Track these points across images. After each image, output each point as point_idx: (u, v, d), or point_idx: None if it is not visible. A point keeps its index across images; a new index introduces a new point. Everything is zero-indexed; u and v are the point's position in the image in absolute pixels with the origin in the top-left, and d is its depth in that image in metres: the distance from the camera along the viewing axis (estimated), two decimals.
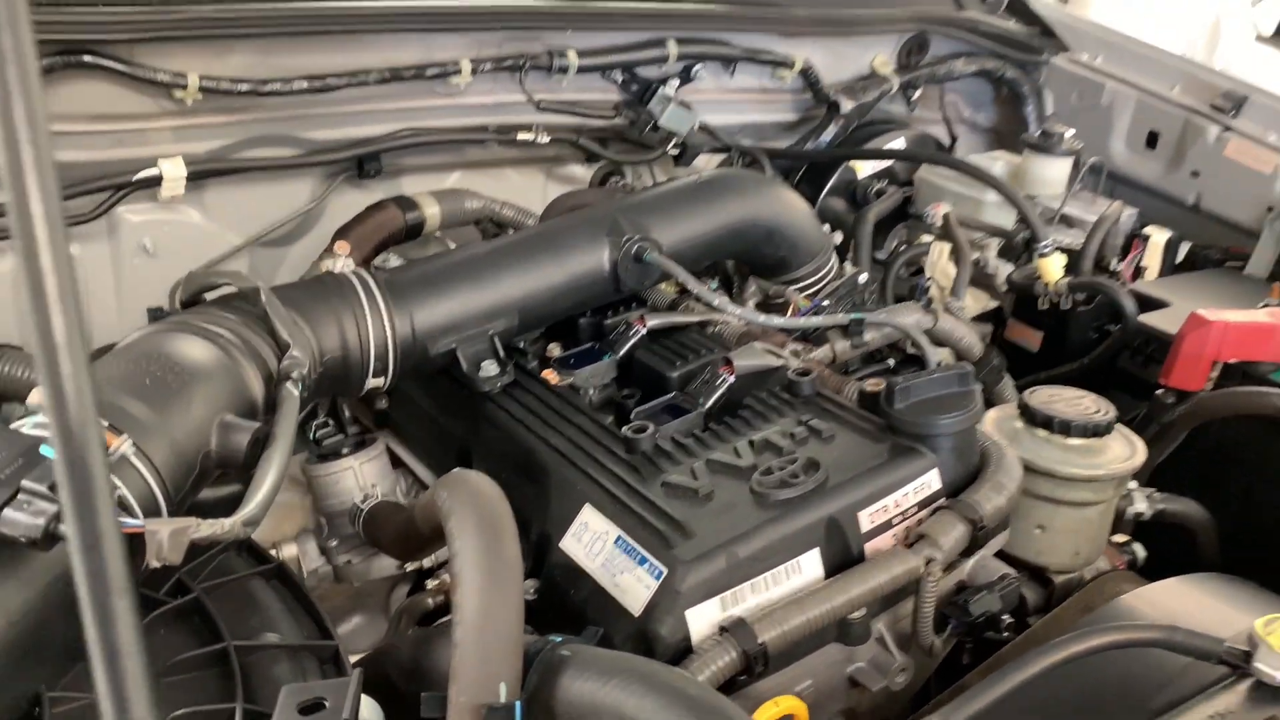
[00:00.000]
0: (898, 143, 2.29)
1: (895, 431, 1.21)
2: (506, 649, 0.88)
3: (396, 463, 1.54)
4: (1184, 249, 2.26)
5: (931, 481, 1.19)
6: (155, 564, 0.83)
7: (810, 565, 1.11)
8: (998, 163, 2.17)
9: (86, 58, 1.50)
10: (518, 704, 0.86)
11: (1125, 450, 1.35)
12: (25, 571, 0.81)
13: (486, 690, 0.86)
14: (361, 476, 1.43)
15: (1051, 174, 2.10)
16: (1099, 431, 1.32)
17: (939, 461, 1.19)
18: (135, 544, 0.88)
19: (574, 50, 1.87)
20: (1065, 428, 1.32)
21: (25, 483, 0.78)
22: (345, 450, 1.45)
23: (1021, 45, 2.43)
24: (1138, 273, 2.16)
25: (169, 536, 0.83)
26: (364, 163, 1.83)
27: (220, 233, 1.78)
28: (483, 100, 1.89)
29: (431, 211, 1.77)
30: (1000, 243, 2.13)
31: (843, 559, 1.13)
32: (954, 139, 2.45)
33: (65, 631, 0.85)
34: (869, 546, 1.15)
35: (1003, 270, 2.09)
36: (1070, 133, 2.12)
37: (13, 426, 0.88)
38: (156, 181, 1.63)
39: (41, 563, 0.81)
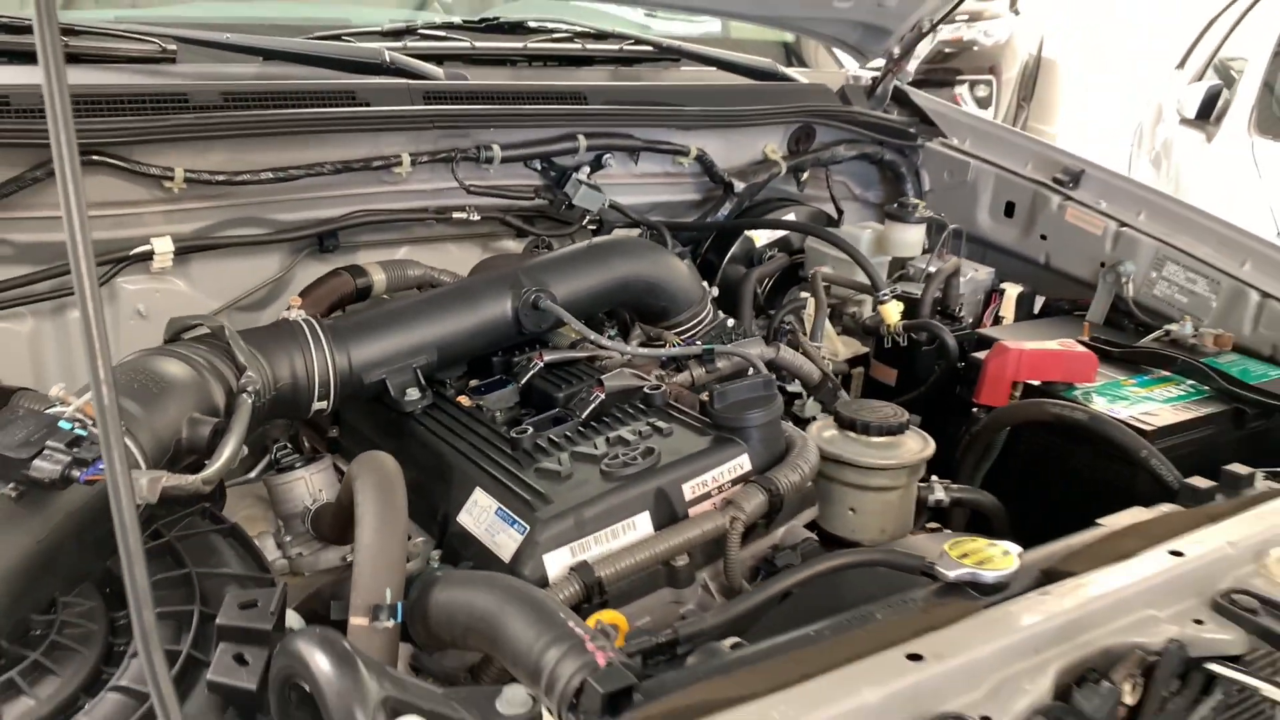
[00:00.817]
0: (789, 217, 2.67)
1: (717, 427, 1.56)
2: (393, 567, 1.22)
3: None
4: (1039, 302, 2.63)
5: (743, 463, 1.53)
6: (140, 500, 1.17)
7: (643, 524, 1.45)
8: (866, 231, 2.54)
9: (95, 156, 1.87)
10: (399, 604, 1.20)
11: (918, 445, 1.69)
12: (46, 509, 1.14)
13: (377, 595, 1.20)
14: (311, 485, 1.76)
15: (909, 238, 2.48)
16: (893, 430, 1.67)
17: (749, 449, 1.53)
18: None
19: (498, 144, 2.25)
20: (866, 428, 1.67)
21: (49, 443, 1.13)
22: (298, 464, 1.79)
23: (896, 132, 2.83)
24: (996, 320, 2.53)
25: (148, 482, 1.17)
26: (324, 239, 2.19)
27: (203, 299, 2.12)
28: (422, 187, 2.26)
29: (379, 278, 2.13)
30: (871, 298, 2.50)
31: (669, 520, 1.47)
32: (840, 213, 2.83)
33: (73, 556, 1.19)
34: (691, 511, 1.48)
35: None
36: (922, 204, 2.50)
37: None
38: (149, 256, 1.98)
39: (58, 502, 1.15)
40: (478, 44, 2.50)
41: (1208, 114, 6.46)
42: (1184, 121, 6.63)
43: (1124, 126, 8.61)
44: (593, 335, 1.77)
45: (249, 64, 2.24)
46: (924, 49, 8.72)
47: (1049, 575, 1.25)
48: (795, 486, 1.51)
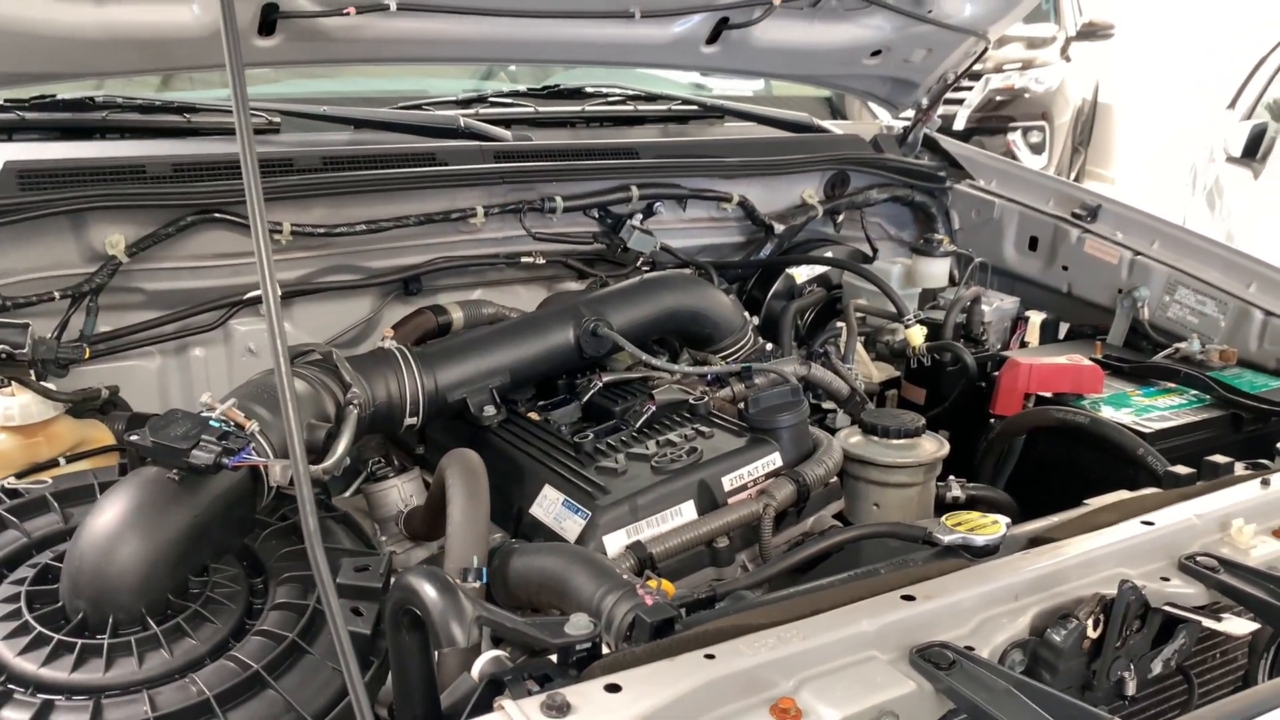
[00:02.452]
0: (826, 255, 2.91)
1: (752, 429, 1.80)
2: (479, 538, 1.48)
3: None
4: (1064, 328, 2.83)
5: (775, 460, 1.77)
6: (274, 484, 1.44)
7: (688, 511, 1.69)
8: (896, 265, 2.78)
9: (216, 214, 2.19)
10: (484, 569, 1.45)
11: (934, 446, 1.91)
12: (201, 490, 1.42)
13: (465, 560, 1.45)
14: (403, 491, 2.03)
15: (935, 270, 2.71)
16: (910, 433, 1.89)
17: (780, 447, 1.77)
18: (258, 483, 1.50)
19: (560, 196, 2.53)
20: (886, 431, 1.89)
21: (203, 437, 1.41)
22: (390, 475, 2.05)
23: (925, 176, 3.06)
24: (1023, 345, 2.73)
25: (280, 469, 1.45)
26: (408, 284, 2.48)
27: (304, 338, 2.39)
28: (494, 235, 2.55)
29: (457, 315, 2.41)
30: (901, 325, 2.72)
31: (710, 508, 1.70)
32: (875, 251, 3.06)
33: (220, 531, 1.46)
34: (730, 501, 1.72)
35: None
36: (946, 239, 2.73)
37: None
38: (258, 300, 2.29)
39: (210, 485, 1.43)
40: (541, 108, 2.81)
41: (1254, 152, 6.57)
42: (1230, 160, 6.74)
43: (1181, 168, 8.72)
44: (645, 356, 2.02)
45: (342, 132, 2.57)
46: (976, 97, 8.91)
47: (1034, 542, 1.46)
48: (821, 479, 1.74)
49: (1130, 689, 1.33)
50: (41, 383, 1.87)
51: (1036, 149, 9.30)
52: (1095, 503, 1.62)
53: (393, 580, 1.24)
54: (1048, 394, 2.18)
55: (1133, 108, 10.35)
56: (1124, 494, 1.66)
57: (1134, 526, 1.47)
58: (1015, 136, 9.35)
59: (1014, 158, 8.17)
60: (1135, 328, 2.65)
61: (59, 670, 1.26)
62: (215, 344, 2.34)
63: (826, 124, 3.14)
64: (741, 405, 1.87)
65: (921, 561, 1.42)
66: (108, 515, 1.35)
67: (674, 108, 2.96)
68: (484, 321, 2.47)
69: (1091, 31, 9.47)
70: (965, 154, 3.19)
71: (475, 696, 1.11)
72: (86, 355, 1.95)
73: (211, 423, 1.45)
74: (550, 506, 1.72)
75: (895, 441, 1.89)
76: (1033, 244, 2.96)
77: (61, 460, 1.89)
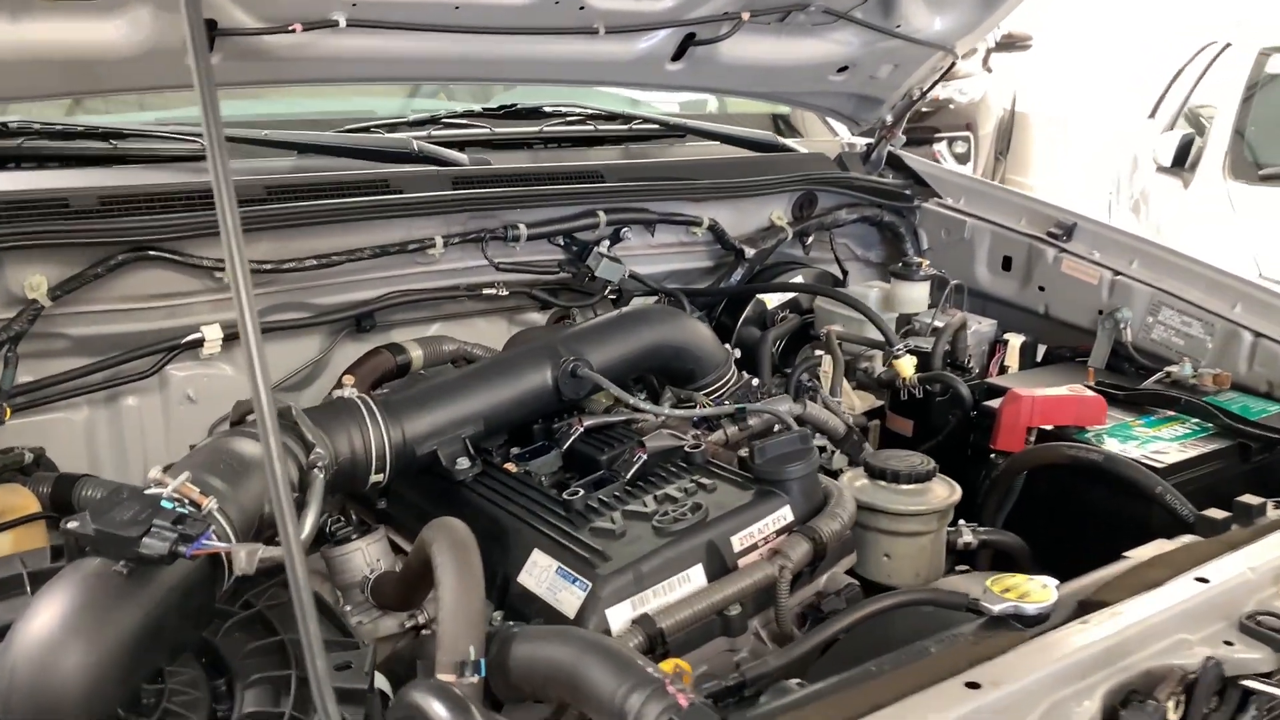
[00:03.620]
0: (796, 279, 2.79)
1: (758, 481, 1.66)
2: (474, 624, 1.30)
3: (396, 549, 1.96)
4: (1042, 350, 2.74)
5: (786, 515, 1.62)
6: (238, 573, 1.26)
7: (697, 576, 1.53)
8: (873, 290, 2.66)
9: (151, 251, 1.98)
10: (482, 660, 1.28)
11: (945, 491, 1.79)
12: (152, 584, 1.23)
13: (460, 652, 1.28)
14: (368, 555, 1.84)
15: (915, 295, 2.60)
16: (921, 478, 1.77)
17: (790, 500, 1.63)
18: (218, 568, 1.31)
19: (523, 224, 2.36)
20: (895, 476, 1.77)
21: (155, 521, 1.21)
22: (354, 536, 1.86)
23: (893, 195, 2.96)
24: (1002, 370, 2.63)
25: (245, 555, 1.26)
26: (361, 320, 2.29)
27: (247, 383, 2.21)
28: (454, 266, 2.38)
29: (416, 354, 2.23)
30: (882, 354, 2.61)
31: (720, 572, 1.55)
32: (845, 273, 2.95)
33: (176, 628, 1.27)
34: (740, 562, 1.57)
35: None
36: (926, 262, 2.63)
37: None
38: (200, 344, 2.09)
39: (163, 577, 1.23)
40: (497, 129, 2.64)
41: (1183, 161, 6.65)
42: (1160, 169, 6.81)
43: (1097, 175, 8.83)
44: (631, 399, 1.86)
45: (285, 158, 2.37)
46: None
47: (1085, 606, 1.34)
48: (836, 534, 1.61)
49: None
50: None
51: (962, 159, 9.38)
52: (1137, 555, 1.51)
53: (389, 699, 1.07)
54: (1049, 427, 2.08)
55: (1050, 118, 10.50)
56: (1163, 544, 1.55)
57: (1189, 585, 1.36)
58: (941, 147, 9.40)
59: None
60: (1117, 350, 2.57)
61: None
62: (149, 392, 2.15)
63: (789, 142, 3.02)
64: (745, 453, 1.72)
65: (970, 634, 1.29)
66: (44, 620, 1.15)
67: (635, 127, 2.82)
68: (445, 359, 2.30)
69: (1010, 43, 9.57)
70: (931, 171, 3.09)
71: None
72: (7, 415, 1.73)
73: (163, 503, 1.26)
74: (542, 575, 1.55)
75: (905, 487, 1.77)
76: (1006, 264, 2.87)
77: None
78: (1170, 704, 1.17)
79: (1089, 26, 10.69)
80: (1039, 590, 1.31)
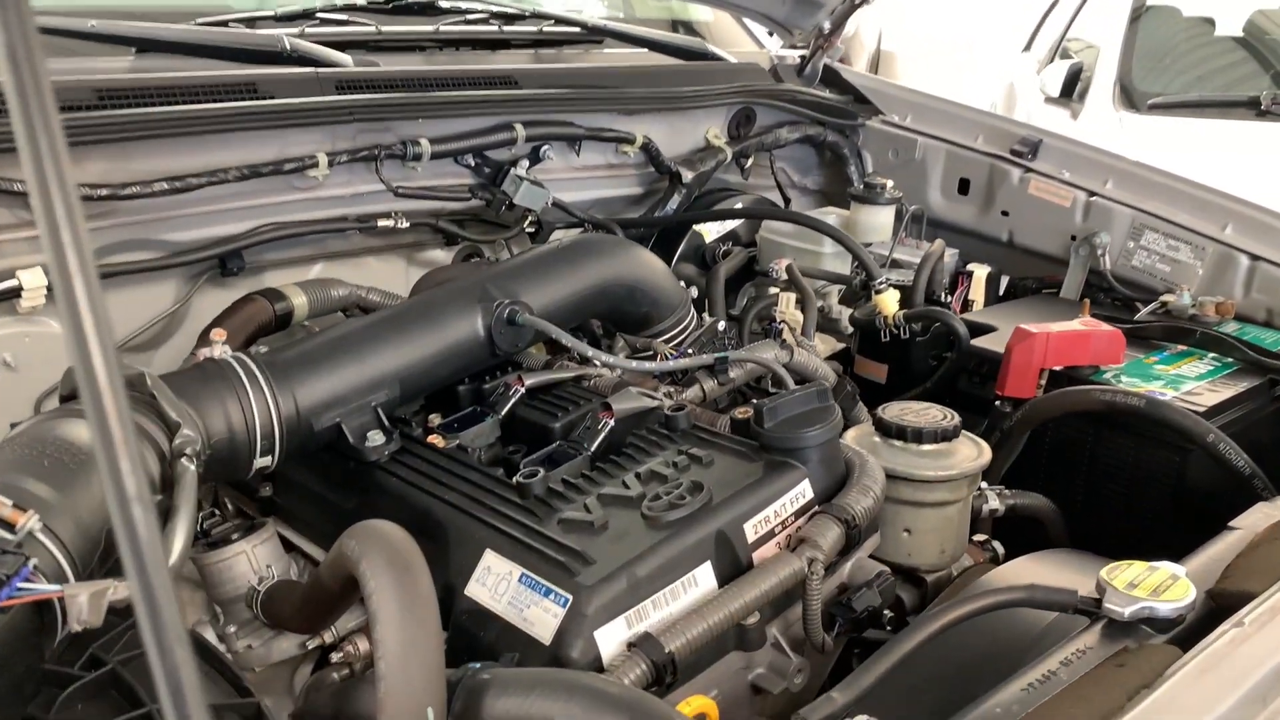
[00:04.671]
0: (737, 207, 2.44)
1: (767, 449, 1.31)
2: (430, 676, 0.92)
3: (288, 547, 1.55)
4: (1004, 282, 2.47)
5: (805, 491, 1.28)
6: (76, 628, 0.84)
7: (704, 577, 1.18)
8: (830, 216, 2.34)
9: None
10: None
11: (973, 451, 1.48)
12: None
13: (413, 713, 0.90)
14: (255, 560, 1.43)
15: (879, 221, 2.28)
16: (948, 436, 1.45)
17: (809, 472, 1.29)
18: (47, 616, 0.89)
19: (426, 138, 1.95)
20: (918, 435, 1.44)
21: None
22: (235, 536, 1.45)
23: (838, 111, 2.64)
24: (966, 305, 2.35)
25: (88, 599, 0.85)
26: (226, 261, 1.85)
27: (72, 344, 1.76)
28: (340, 192, 1.94)
29: (299, 301, 1.81)
30: (840, 289, 2.30)
31: (733, 569, 1.21)
32: (787, 200, 2.62)
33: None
34: (755, 555, 1.23)
35: (844, 315, 2.25)
36: (890, 183, 2.31)
37: None
38: (16, 294, 1.62)
39: None
40: (384, 28, 2.19)
41: (1070, 92, 6.59)
42: (1049, 100, 6.73)
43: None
44: (589, 350, 1.49)
45: (119, 57, 1.88)
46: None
47: (1218, 598, 1.05)
48: (869, 513, 1.27)
49: None
50: None
51: None
52: (1248, 525, 1.22)
53: None
54: (1058, 368, 1.79)
55: (914, 55, 10.43)
56: (1270, 510, 1.27)
57: None
58: None
59: None
60: (1093, 279, 2.32)
61: None
62: None
63: (722, 52, 2.65)
64: (743, 413, 1.37)
65: (1097, 647, 0.98)
66: None
67: (547, 29, 2.39)
68: (335, 307, 1.89)
69: None
70: (873, 86, 2.77)
71: None
72: None
73: None
74: (499, 584, 1.18)
75: (928, 447, 1.45)
76: (963, 187, 2.58)
77: None
78: None
79: None
80: (1172, 584, 1.00)
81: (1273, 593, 1.04)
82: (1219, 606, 1.04)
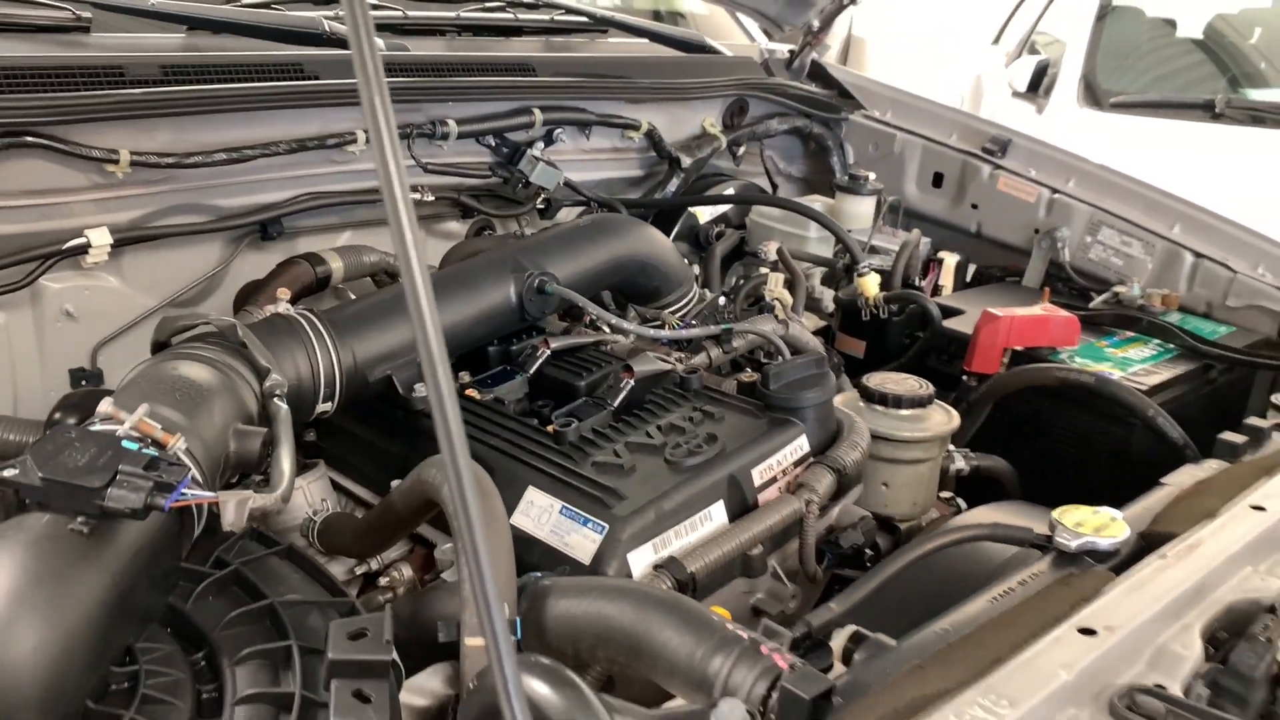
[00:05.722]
0: (728, 191, 2.63)
1: (771, 408, 1.51)
2: (505, 581, 1.12)
3: (335, 489, 1.73)
4: (971, 269, 2.68)
5: (803, 444, 1.49)
6: (227, 528, 1.03)
7: (718, 513, 1.39)
8: (816, 204, 2.54)
9: (28, 138, 1.65)
10: (517, 620, 1.10)
11: (944, 417, 1.69)
12: (118, 543, 0.99)
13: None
14: (310, 495, 1.62)
15: (861, 210, 2.49)
16: (923, 403, 1.66)
17: (807, 429, 1.49)
18: (186, 521, 1.07)
19: (453, 119, 2.12)
20: (898, 401, 1.65)
21: (122, 466, 0.97)
22: None
23: (824, 105, 2.83)
24: (936, 290, 2.56)
25: (234, 506, 1.03)
26: (267, 226, 2.01)
27: (136, 296, 1.91)
28: (372, 166, 2.10)
29: (337, 266, 1.98)
30: (824, 271, 2.50)
31: (742, 508, 1.41)
32: (775, 187, 2.82)
33: (145, 595, 1.03)
34: (761, 497, 1.43)
35: (826, 295, 2.46)
36: (873, 175, 2.52)
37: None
38: (84, 250, 1.77)
39: (129, 534, 1.00)
40: (410, 13, 2.35)
41: (1037, 87, 6.78)
42: (1016, 94, 6.94)
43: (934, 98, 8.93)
44: (613, 318, 1.68)
45: (172, 34, 2.03)
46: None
47: (1149, 538, 1.27)
48: (857, 464, 1.49)
49: None
50: None
51: None
52: (1176, 482, 1.45)
53: (472, 677, 0.88)
54: (1020, 348, 2.01)
55: (885, 42, 10.63)
56: (1195, 470, 1.49)
57: (1247, 513, 1.30)
58: None
59: None
60: (1053, 270, 2.54)
61: None
62: (19, 307, 1.81)
63: (717, 45, 2.83)
64: (746, 378, 1.57)
65: (1049, 572, 1.19)
66: None
67: (557, 18, 2.57)
68: (367, 272, 2.06)
69: None
70: (857, 82, 2.97)
71: None
72: None
73: (125, 444, 1.01)
74: (542, 516, 1.37)
75: (905, 412, 1.66)
76: (937, 180, 2.79)
77: None
78: (1276, 642, 1.10)
79: None
80: (1111, 524, 1.22)
81: (1190, 533, 1.25)
82: (1147, 544, 1.26)
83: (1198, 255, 2.36)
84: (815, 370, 1.52)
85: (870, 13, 10.45)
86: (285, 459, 1.19)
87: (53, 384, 1.85)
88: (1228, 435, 1.60)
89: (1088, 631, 1.04)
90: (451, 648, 1.08)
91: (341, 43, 2.11)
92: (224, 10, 2.05)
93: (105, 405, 1.08)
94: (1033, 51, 7.27)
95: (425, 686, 1.12)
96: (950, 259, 2.58)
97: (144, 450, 1.01)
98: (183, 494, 0.98)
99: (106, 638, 0.96)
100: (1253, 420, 1.62)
